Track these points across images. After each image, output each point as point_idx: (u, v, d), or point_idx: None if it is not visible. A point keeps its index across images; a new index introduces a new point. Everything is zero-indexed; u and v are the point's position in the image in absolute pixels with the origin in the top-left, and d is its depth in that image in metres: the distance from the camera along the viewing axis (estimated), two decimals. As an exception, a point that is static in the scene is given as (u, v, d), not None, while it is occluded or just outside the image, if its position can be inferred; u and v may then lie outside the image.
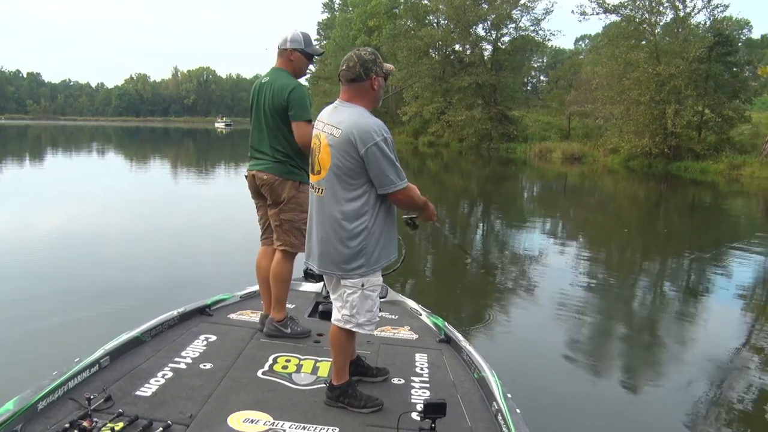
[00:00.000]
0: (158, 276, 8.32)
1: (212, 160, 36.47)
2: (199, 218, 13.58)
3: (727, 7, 32.63)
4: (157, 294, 7.30)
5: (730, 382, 5.56)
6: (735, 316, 7.79)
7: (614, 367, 6.02)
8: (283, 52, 4.08)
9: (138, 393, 3.10)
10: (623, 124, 33.63)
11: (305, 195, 3.84)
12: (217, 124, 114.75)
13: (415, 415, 3.05)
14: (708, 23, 33.39)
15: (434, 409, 2.47)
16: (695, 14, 33.53)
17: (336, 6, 77.83)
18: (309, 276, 5.00)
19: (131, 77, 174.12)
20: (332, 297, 3.19)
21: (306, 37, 4.11)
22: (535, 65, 68.90)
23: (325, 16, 79.91)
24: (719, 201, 21.97)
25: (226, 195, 18.49)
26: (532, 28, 49.27)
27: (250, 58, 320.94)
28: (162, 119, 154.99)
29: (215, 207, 15.88)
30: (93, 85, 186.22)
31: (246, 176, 4.19)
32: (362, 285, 3.03)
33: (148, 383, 3.22)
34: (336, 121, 2.97)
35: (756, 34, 70.57)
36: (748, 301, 8.61)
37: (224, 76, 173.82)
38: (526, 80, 63.45)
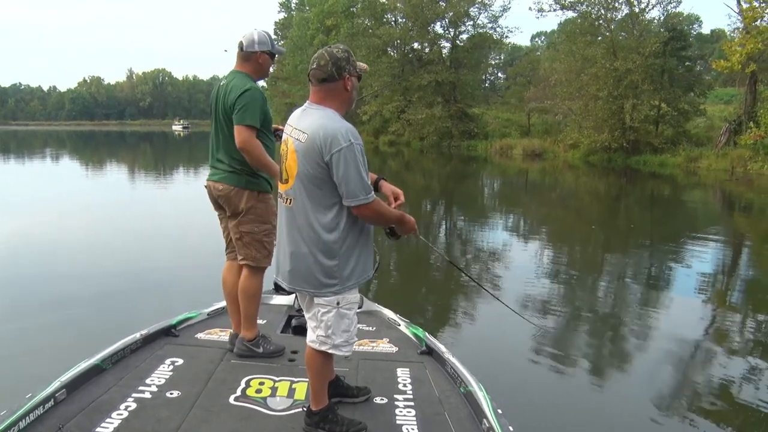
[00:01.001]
0: (115, 290, 7.75)
1: (170, 164, 35.73)
2: (160, 227, 12.93)
3: (680, 2, 33.31)
4: (113, 312, 6.81)
5: (695, 369, 5.69)
6: (696, 305, 7.87)
7: (606, 371, 5.87)
8: (250, 55, 3.79)
9: (98, 430, 2.82)
10: (582, 119, 34.07)
11: (265, 205, 3.73)
12: (174, 127, 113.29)
13: None
14: (662, 18, 34.05)
15: None
16: (650, 10, 34.14)
17: (293, 5, 77.25)
18: (280, 288, 4.64)
19: (84, 80, 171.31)
20: (306, 316, 2.94)
21: (270, 37, 3.86)
22: (493, 62, 69.12)
23: (282, 15, 79.31)
24: (678, 193, 22.28)
25: (186, 201, 17.76)
26: (490, 25, 49.57)
27: (207, 60, 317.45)
28: (117, 122, 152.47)
29: (176, 215, 15.12)
30: (45, 88, 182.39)
31: (205, 186, 3.90)
32: (337, 303, 2.79)
33: (110, 417, 2.93)
34: (303, 126, 2.72)
35: (706, 29, 72.00)
36: (707, 290, 8.70)
37: (180, 78, 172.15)
38: (484, 77, 63.78)
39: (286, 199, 2.80)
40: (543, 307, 7.41)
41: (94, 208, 15.65)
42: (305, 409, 3.01)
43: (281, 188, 2.85)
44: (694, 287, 8.66)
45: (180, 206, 16.81)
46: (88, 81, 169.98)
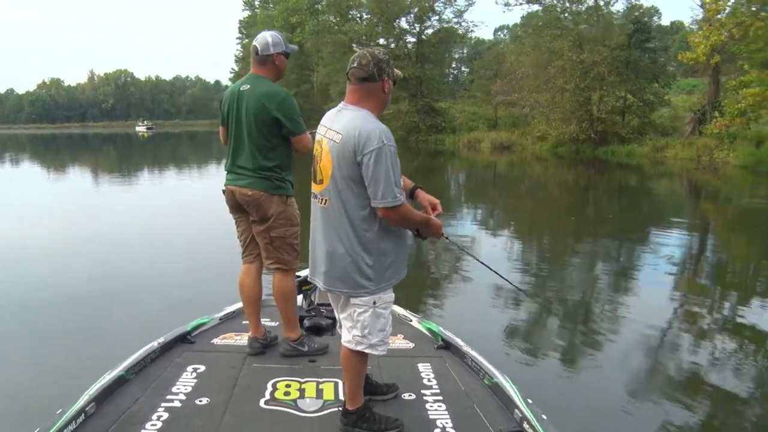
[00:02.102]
0: (100, 298, 7.38)
1: (137, 166, 34.89)
2: (136, 231, 12.29)
3: (642, -6, 33.64)
4: (94, 321, 6.51)
5: (666, 354, 5.77)
6: (664, 291, 7.91)
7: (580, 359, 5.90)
8: (267, 59, 3.79)
9: None
10: (550, 111, 34.33)
11: (293, 208, 3.83)
12: (138, 128, 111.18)
13: None
14: (625, 10, 34.54)
15: None
16: (614, 3, 34.54)
17: (257, 3, 76.73)
18: None
19: (44, 82, 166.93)
20: (341, 316, 2.95)
21: (282, 37, 3.88)
22: (456, 56, 69.37)
23: (246, 13, 78.79)
24: (646, 183, 22.51)
25: (162, 204, 17.03)
26: (455, 20, 49.66)
27: (169, 60, 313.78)
28: (80, 125, 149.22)
29: (152, 219, 14.16)
30: (2, 90, 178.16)
31: (224, 191, 3.92)
32: (374, 303, 2.80)
33: (145, 428, 2.89)
34: (338, 126, 2.72)
35: (665, 21, 73.03)
36: (676, 277, 8.80)
37: (143, 79, 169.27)
38: (448, 72, 63.91)
39: (321, 200, 2.81)
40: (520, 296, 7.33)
41: (57, 214, 15.21)
42: (340, 409, 2.99)
43: (315, 189, 2.86)
44: (663, 274, 8.74)
45: (157, 211, 15.90)
46: (48, 83, 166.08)
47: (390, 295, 2.87)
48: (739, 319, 6.79)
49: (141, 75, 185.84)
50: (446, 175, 27.27)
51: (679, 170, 24.85)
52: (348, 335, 2.89)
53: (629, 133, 31.67)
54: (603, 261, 9.91)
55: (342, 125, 2.70)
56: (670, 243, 10.80)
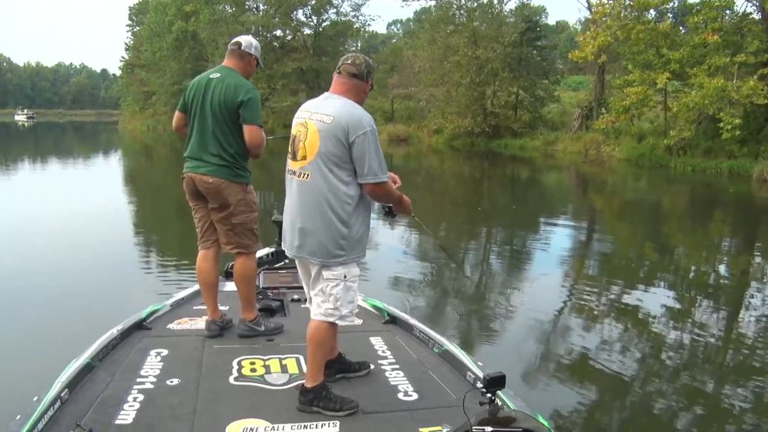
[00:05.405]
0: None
1: (15, 157, 32.86)
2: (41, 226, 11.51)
3: (532, -7, 34.89)
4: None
5: (556, 339, 5.98)
6: (554, 278, 8.27)
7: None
8: (245, 55, 4.00)
9: (118, 422, 2.88)
10: (446, 105, 35.19)
11: (252, 195, 4.00)
12: (17, 117, 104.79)
13: (401, 396, 3.18)
14: (517, 8, 35.76)
15: (495, 383, 2.36)
16: (507, 1, 35.64)
17: (148, -11, 73.94)
18: (229, 275, 4.76)
19: None
20: (312, 293, 3.15)
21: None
22: (352, 49, 69.48)
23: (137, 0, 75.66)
24: (537, 175, 23.48)
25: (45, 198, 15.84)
26: (353, 13, 49.76)
27: (51, 46, 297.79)
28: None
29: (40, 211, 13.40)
30: None
31: (183, 178, 3.99)
32: (344, 276, 3.02)
33: (124, 410, 2.99)
34: (328, 110, 3.00)
35: (552, 21, 75.81)
36: (565, 264, 9.24)
37: (22, 65, 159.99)
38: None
39: (302, 174, 3.03)
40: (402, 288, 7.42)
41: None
42: (299, 387, 3.14)
43: (294, 166, 3.07)
44: (552, 262, 9.15)
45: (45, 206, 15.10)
46: None
47: (357, 270, 3.09)
48: (623, 299, 7.27)
49: (19, 61, 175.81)
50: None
51: (568, 163, 26.01)
52: (319, 309, 3.06)
53: (521, 127, 32.97)
54: (497, 249, 10.29)
55: (332, 110, 2.97)
56: (560, 232, 11.41)
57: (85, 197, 15.11)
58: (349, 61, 3.11)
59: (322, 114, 2.99)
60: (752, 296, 7.75)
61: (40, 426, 2.71)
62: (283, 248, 3.26)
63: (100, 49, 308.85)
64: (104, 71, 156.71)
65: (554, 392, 4.67)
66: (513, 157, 28.48)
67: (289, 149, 3.12)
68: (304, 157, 3.02)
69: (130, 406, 3.03)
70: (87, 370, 3.36)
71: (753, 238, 11.94)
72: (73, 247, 9.36)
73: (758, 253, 10.43)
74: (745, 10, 23.44)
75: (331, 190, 2.96)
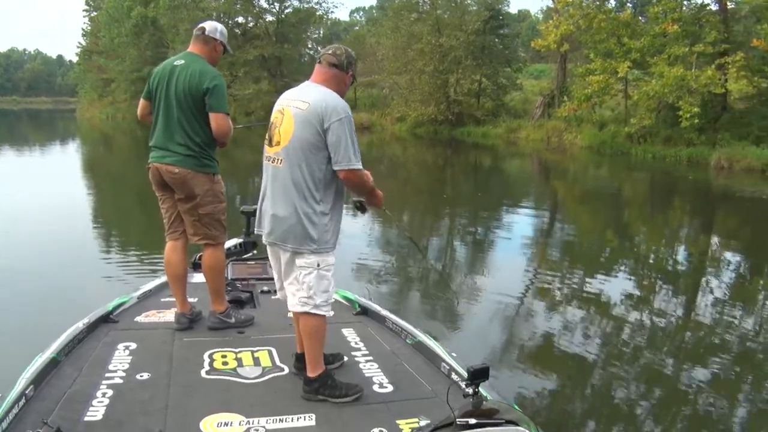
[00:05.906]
0: None
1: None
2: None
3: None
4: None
5: (520, 324, 6.14)
6: (518, 264, 8.44)
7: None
8: (210, 40, 3.89)
9: (87, 419, 2.78)
10: (409, 93, 35.11)
11: (220, 185, 3.91)
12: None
13: (376, 388, 3.16)
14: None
15: (479, 374, 2.35)
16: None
17: (105, -26, 72.34)
18: (197, 266, 4.67)
19: None
20: (286, 283, 3.14)
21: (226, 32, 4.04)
22: (314, 36, 68.98)
23: (93, -16, 73.98)
24: (500, 162, 23.68)
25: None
26: (315, 0, 49.23)
27: (2, 31, 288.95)
28: None
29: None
30: None
31: (149, 168, 3.86)
32: (318, 265, 2.99)
33: (93, 406, 2.90)
34: (305, 97, 3.01)
35: (513, 9, 76.14)
36: (528, 250, 9.45)
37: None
38: (305, 52, 63.22)
39: (276, 160, 3.03)
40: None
41: None
42: (281, 374, 3.18)
43: (270, 151, 3.07)
44: (515, 248, 9.35)
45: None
46: None
47: (332, 258, 3.06)
48: (585, 285, 7.44)
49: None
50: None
51: (531, 150, 26.25)
52: (294, 299, 3.05)
53: (484, 114, 33.08)
54: (462, 236, 10.39)
55: (310, 97, 2.98)
56: (524, 220, 11.57)
57: (43, 188, 14.53)
58: (329, 52, 3.13)
59: (299, 101, 3.00)
60: (709, 280, 7.99)
61: (4, 425, 2.62)
62: (251, 239, 3.23)
63: (55, 34, 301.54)
64: (60, 57, 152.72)
65: (522, 379, 4.72)
66: (476, 145, 28.62)
67: (266, 135, 3.12)
68: (279, 143, 3.02)
69: (99, 401, 2.94)
70: (53, 365, 3.26)
71: (710, 223, 12.27)
72: (32, 239, 9.05)
73: (715, 238, 10.72)
74: (703, 2, 23.84)
75: (303, 176, 2.95)
